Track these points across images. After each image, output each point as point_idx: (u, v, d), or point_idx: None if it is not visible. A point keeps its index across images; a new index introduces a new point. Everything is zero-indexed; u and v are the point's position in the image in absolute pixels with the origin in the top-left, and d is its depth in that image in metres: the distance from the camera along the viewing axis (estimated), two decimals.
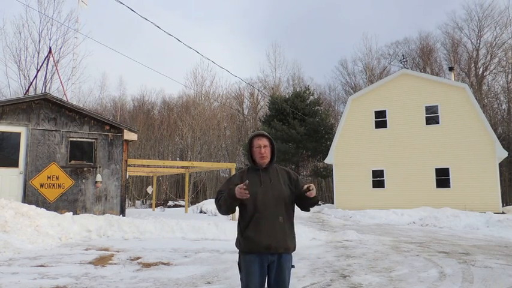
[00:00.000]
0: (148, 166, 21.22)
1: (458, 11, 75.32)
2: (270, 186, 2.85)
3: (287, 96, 33.82)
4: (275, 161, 2.98)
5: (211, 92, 44.60)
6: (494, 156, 18.68)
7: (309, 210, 3.00)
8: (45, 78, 23.47)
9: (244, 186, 2.59)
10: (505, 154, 18.83)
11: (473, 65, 36.36)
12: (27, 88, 21.91)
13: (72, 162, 11.83)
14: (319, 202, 30.79)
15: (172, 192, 38.64)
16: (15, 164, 11.11)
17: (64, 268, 6.10)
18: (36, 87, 23.06)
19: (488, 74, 35.87)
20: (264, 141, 2.92)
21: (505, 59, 34.46)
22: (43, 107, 11.64)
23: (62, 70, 26.15)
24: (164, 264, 6.58)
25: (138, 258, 7.06)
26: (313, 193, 2.71)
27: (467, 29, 37.08)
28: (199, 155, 37.56)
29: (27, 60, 25.10)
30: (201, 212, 19.04)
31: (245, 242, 2.79)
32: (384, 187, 20.82)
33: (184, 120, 38.62)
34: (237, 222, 2.99)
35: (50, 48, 19.84)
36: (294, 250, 2.87)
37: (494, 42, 35.10)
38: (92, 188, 11.91)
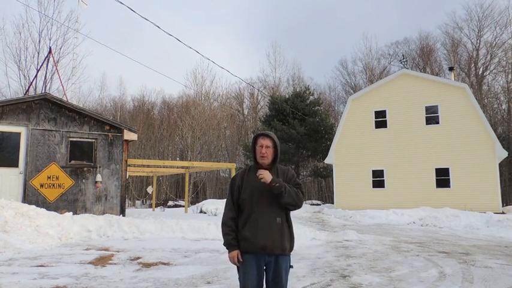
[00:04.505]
0: (148, 166, 21.26)
1: (458, 11, 75.34)
2: (268, 187, 2.85)
3: (287, 96, 33.82)
4: (277, 162, 2.96)
5: (211, 92, 44.66)
6: (494, 156, 18.68)
7: (292, 208, 2.84)
8: (45, 78, 23.50)
9: (239, 261, 2.79)
10: (505, 154, 18.83)
11: (473, 65, 36.36)
12: (27, 88, 21.91)
13: (72, 162, 11.83)
14: (319, 202, 30.77)
15: (172, 192, 38.65)
16: (15, 164, 11.11)
17: (64, 268, 6.10)
18: (36, 87, 23.08)
19: (488, 74, 35.90)
20: (267, 142, 2.90)
21: (505, 59, 34.47)
22: (43, 107, 11.64)
23: (62, 70, 26.18)
24: (164, 264, 6.58)
25: (138, 258, 7.06)
26: (264, 178, 2.70)
27: (467, 29, 37.12)
28: (199, 155, 37.59)
29: (27, 60, 25.15)
30: (201, 212, 19.05)
31: (242, 242, 2.80)
32: (384, 187, 20.81)
33: (184, 120, 38.65)
34: None
35: (50, 48, 19.83)
36: (291, 251, 2.87)
37: (494, 42, 35.13)
38: (92, 188, 11.91)
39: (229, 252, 2.82)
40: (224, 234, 2.86)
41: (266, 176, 2.75)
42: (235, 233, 2.84)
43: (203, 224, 10.42)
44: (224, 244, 2.86)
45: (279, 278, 2.79)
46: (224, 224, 2.88)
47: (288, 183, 2.89)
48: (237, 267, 2.87)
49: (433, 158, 19.82)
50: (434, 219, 14.76)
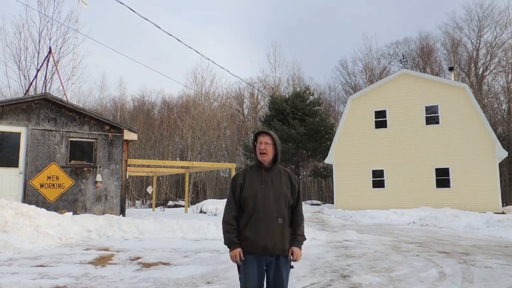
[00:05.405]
0: (148, 166, 21.27)
1: (458, 11, 75.37)
2: (271, 187, 2.84)
3: (287, 96, 33.82)
4: (279, 161, 2.95)
5: (211, 92, 44.62)
6: (494, 156, 18.68)
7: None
8: (45, 78, 23.50)
9: (242, 259, 2.77)
10: (505, 154, 18.82)
11: (473, 65, 36.36)
12: (27, 88, 21.91)
13: (72, 162, 11.83)
14: (319, 202, 30.78)
15: (172, 192, 38.65)
16: (15, 164, 11.11)
17: (64, 268, 6.10)
18: (36, 87, 23.07)
19: (488, 74, 35.90)
20: (266, 139, 2.90)
21: (505, 59, 34.49)
22: (43, 107, 11.64)
23: (62, 70, 26.18)
24: (164, 264, 6.58)
25: (138, 258, 7.06)
26: (299, 258, 2.89)
27: (467, 29, 37.13)
28: (199, 155, 37.57)
29: (27, 60, 25.13)
30: (201, 212, 19.04)
31: (243, 242, 2.79)
32: (384, 187, 20.81)
33: (184, 120, 38.64)
34: None
35: (50, 48, 19.84)
36: None
37: (494, 42, 35.14)
38: (92, 188, 11.91)
39: (230, 250, 2.80)
40: (226, 232, 2.84)
41: (298, 256, 2.89)
42: (237, 231, 2.83)
43: (203, 224, 10.42)
44: (225, 243, 2.84)
45: (279, 278, 2.79)
46: (225, 222, 2.86)
47: (293, 194, 2.92)
48: (238, 267, 2.86)
49: (433, 158, 19.82)
50: (434, 219, 14.76)
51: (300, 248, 2.88)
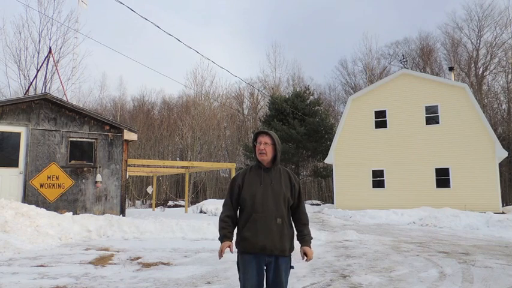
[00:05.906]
0: (148, 166, 21.24)
1: (458, 11, 75.38)
2: (270, 187, 2.84)
3: (287, 96, 33.84)
4: (278, 161, 2.94)
5: (211, 92, 44.57)
6: (494, 156, 18.68)
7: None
8: (45, 78, 23.49)
9: (228, 251, 2.81)
10: (505, 154, 18.82)
11: (473, 65, 36.36)
12: (27, 88, 21.91)
13: (72, 162, 11.83)
14: (319, 202, 30.78)
15: (172, 192, 38.65)
16: (15, 164, 11.11)
17: (64, 268, 6.10)
18: (36, 87, 23.06)
19: (488, 74, 35.91)
20: (265, 139, 2.90)
21: (505, 59, 34.49)
22: (43, 107, 11.64)
23: (62, 70, 26.16)
24: (164, 264, 6.58)
25: (138, 258, 7.06)
26: (311, 258, 2.89)
27: (467, 29, 37.14)
28: (199, 155, 37.56)
29: (27, 60, 25.11)
30: (201, 212, 19.05)
31: (242, 242, 2.80)
32: (384, 187, 20.81)
33: (184, 120, 38.62)
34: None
35: (50, 48, 19.85)
36: (291, 252, 2.87)
37: (494, 42, 35.14)
38: (92, 188, 11.91)
39: (221, 243, 2.83)
40: (220, 228, 2.89)
41: (311, 255, 2.88)
42: (231, 227, 2.87)
43: (203, 224, 10.42)
44: (219, 238, 2.88)
45: (279, 278, 2.79)
46: (221, 221, 2.91)
47: (293, 193, 2.91)
48: (238, 267, 2.87)
49: (433, 158, 19.82)
50: (435, 219, 14.76)
51: (311, 247, 2.89)
